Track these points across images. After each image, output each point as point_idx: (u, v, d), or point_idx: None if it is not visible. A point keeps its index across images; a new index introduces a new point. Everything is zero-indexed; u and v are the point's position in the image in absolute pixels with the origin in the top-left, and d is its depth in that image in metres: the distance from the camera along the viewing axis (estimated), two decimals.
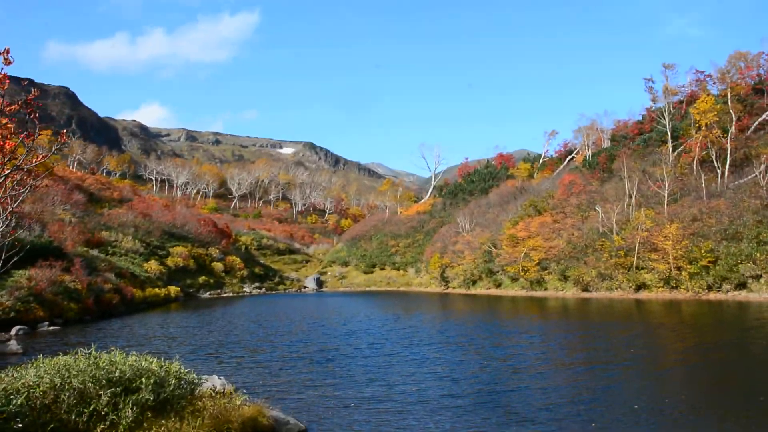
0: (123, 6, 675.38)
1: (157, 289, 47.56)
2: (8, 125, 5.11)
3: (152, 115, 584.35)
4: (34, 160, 5.35)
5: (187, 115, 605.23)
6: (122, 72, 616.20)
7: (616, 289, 43.35)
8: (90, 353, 9.19)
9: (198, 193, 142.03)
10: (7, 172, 5.10)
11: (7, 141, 5.01)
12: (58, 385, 7.94)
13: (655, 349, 18.12)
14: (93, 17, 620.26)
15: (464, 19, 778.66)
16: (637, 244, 42.80)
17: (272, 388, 13.06)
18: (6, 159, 5.05)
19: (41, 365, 8.63)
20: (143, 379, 8.46)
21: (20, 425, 6.90)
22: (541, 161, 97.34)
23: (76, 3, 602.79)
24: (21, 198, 5.50)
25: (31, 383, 7.92)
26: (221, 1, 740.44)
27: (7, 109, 4.96)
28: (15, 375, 8.27)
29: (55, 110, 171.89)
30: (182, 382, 9.21)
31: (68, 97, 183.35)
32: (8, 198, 5.32)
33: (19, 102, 5.21)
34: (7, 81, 4.94)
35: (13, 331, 24.55)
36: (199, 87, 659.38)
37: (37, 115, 5.34)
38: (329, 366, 15.82)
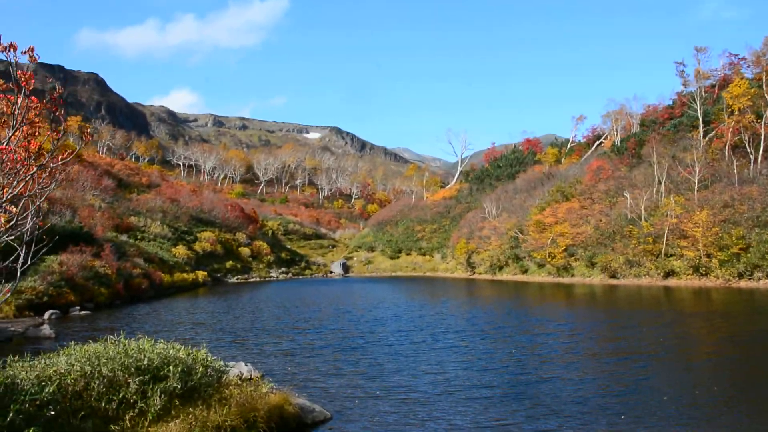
0: None
1: (185, 274, 48.14)
2: (35, 122, 5.15)
3: (181, 101, 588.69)
4: (60, 158, 5.39)
5: (216, 101, 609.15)
6: (152, 58, 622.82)
7: (645, 276, 42.87)
8: (119, 341, 9.30)
9: (225, 178, 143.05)
10: (33, 171, 5.14)
11: (33, 141, 5.04)
12: (89, 372, 8.04)
13: (687, 339, 17.76)
14: (125, 3, 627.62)
15: (493, 3, 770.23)
16: (666, 231, 42.22)
17: (298, 375, 13.10)
18: (32, 158, 5.08)
19: (72, 353, 8.76)
20: (171, 367, 8.54)
21: (53, 412, 7.01)
22: (568, 146, 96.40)
23: None
24: (47, 193, 5.54)
25: (62, 371, 8.04)
26: None
27: (33, 106, 4.99)
28: (47, 362, 8.40)
29: (84, 96, 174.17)
30: (209, 369, 9.28)
31: (97, 83, 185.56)
32: (36, 192, 5.36)
33: (44, 101, 5.24)
34: (33, 80, 4.97)
35: (46, 315, 25.04)
36: (229, 73, 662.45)
37: (62, 112, 5.37)
38: (355, 354, 15.77)
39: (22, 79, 4.83)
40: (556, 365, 13.91)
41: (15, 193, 5.12)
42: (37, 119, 5.02)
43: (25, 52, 5.04)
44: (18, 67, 5.09)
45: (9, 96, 5.01)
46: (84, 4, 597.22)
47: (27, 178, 5.15)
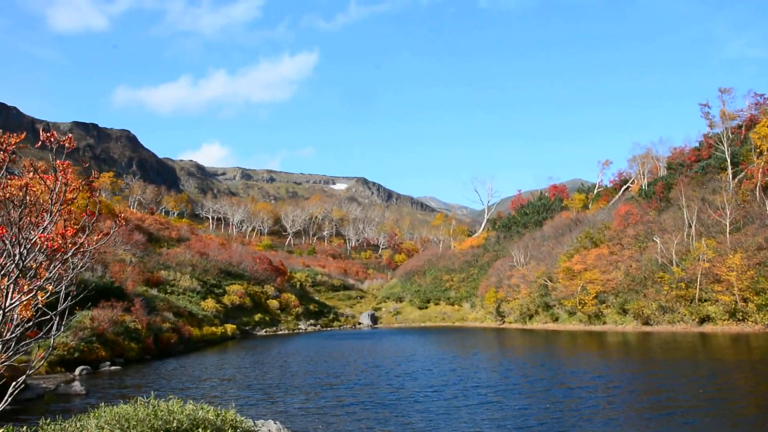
0: (188, 50, 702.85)
1: (213, 328, 48.28)
2: (71, 205, 5.35)
3: (212, 155, 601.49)
4: (95, 239, 5.56)
5: (246, 154, 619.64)
6: (185, 113, 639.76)
7: (679, 322, 41.99)
8: (148, 402, 9.35)
9: (253, 230, 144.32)
10: (69, 254, 5.31)
11: (69, 228, 5.22)
12: None
13: (732, 391, 16.99)
14: (159, 61, 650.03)
15: (507, 58, 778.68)
16: (699, 276, 41.47)
17: None
18: (69, 242, 5.26)
19: (102, 415, 8.82)
20: (200, 430, 8.55)
21: None
22: (595, 191, 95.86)
23: (144, 50, 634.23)
24: (82, 266, 5.70)
25: None
26: (282, 42, 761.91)
27: (71, 188, 5.19)
28: (78, 425, 8.46)
29: (116, 152, 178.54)
30: (238, 430, 9.28)
31: (129, 139, 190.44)
32: (70, 266, 5.54)
33: (82, 186, 5.45)
34: (70, 170, 5.18)
35: (77, 371, 25.25)
36: (259, 126, 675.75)
37: (97, 195, 5.56)
38: (385, 412, 15.47)
39: (60, 168, 5.03)
40: (596, 422, 13.33)
41: (51, 276, 5.30)
42: (71, 195, 5.20)
43: (64, 141, 5.25)
44: (55, 150, 5.30)
45: (47, 177, 5.21)
46: (120, 63, 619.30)
47: (64, 261, 5.33)
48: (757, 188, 49.70)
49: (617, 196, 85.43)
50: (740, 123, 70.57)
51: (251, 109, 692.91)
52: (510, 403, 16.24)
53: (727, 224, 44.42)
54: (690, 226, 48.57)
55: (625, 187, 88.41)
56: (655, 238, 50.13)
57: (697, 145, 78.07)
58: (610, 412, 14.42)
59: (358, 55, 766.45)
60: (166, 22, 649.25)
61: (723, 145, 57.63)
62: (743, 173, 54.81)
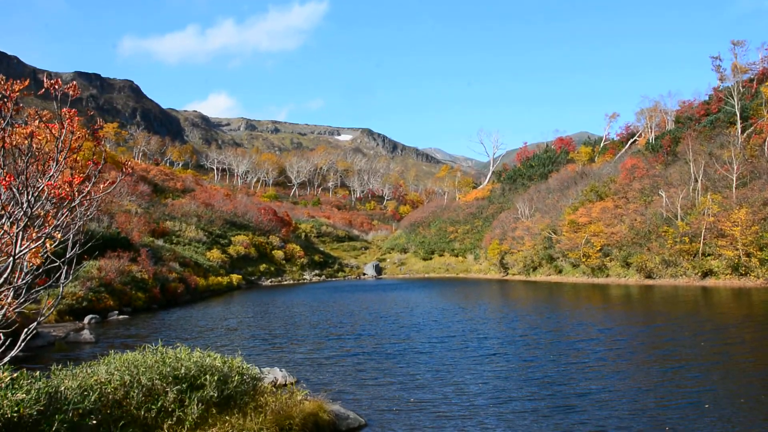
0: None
1: (219, 278, 48.76)
2: (75, 160, 5.35)
3: (219, 106, 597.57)
4: (101, 188, 5.57)
5: (253, 105, 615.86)
6: (192, 63, 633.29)
7: (681, 276, 42.16)
8: (157, 349, 9.49)
9: (258, 181, 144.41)
10: (76, 202, 5.32)
11: (76, 176, 5.23)
12: (128, 381, 8.21)
13: (739, 345, 16.77)
14: (166, 11, 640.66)
15: (523, 2, 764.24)
16: (704, 230, 41.46)
17: (332, 382, 13.12)
18: (75, 191, 5.27)
19: (112, 361, 8.95)
20: (207, 376, 8.68)
21: (95, 421, 7.19)
22: (602, 145, 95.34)
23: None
24: (88, 216, 5.73)
25: (103, 380, 8.22)
26: None
27: (76, 136, 5.18)
28: (88, 371, 8.59)
29: (120, 103, 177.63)
30: (245, 377, 9.42)
31: (132, 90, 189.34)
32: (78, 215, 5.57)
33: (87, 135, 5.44)
34: (76, 118, 5.16)
35: (86, 320, 25.61)
36: (267, 77, 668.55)
37: (104, 144, 5.56)
38: (391, 362, 15.59)
39: (66, 116, 5.01)
40: (605, 374, 13.19)
41: (59, 223, 5.35)
42: (76, 144, 5.20)
43: (68, 89, 5.22)
44: (60, 93, 5.27)
45: (52, 126, 5.20)
46: (126, 11, 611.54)
47: (71, 209, 5.36)
48: (766, 143, 49.26)
49: (624, 150, 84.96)
50: (752, 76, 69.70)
51: (259, 58, 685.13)
52: (514, 355, 16.28)
53: (734, 179, 44.21)
54: (696, 181, 48.35)
55: (632, 140, 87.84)
56: (660, 192, 49.96)
57: (707, 99, 77.28)
58: (618, 365, 14.28)
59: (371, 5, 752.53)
60: None
61: (733, 98, 56.90)
62: (752, 128, 54.28)
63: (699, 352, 15.50)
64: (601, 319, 24.17)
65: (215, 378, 8.68)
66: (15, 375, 6.39)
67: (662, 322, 22.52)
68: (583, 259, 52.17)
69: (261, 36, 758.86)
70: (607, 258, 50.51)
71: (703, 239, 41.49)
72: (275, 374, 12.75)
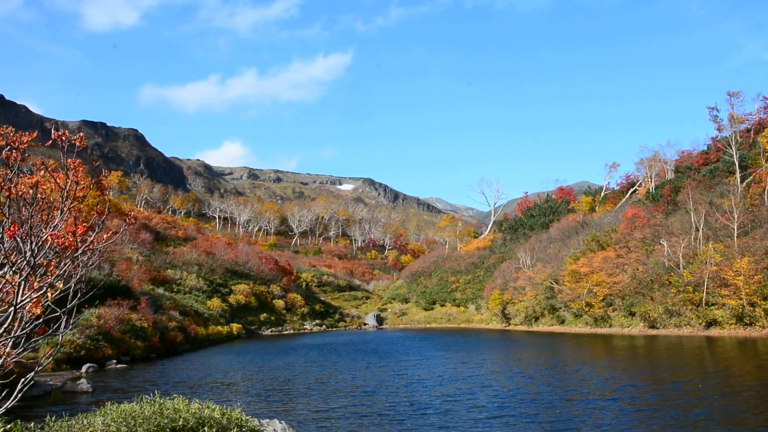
0: (218, 49, 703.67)
1: (219, 327, 48.43)
2: (79, 210, 5.40)
3: (233, 154, 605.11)
4: (105, 238, 5.60)
5: (266, 154, 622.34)
6: (208, 112, 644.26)
7: (685, 325, 41.83)
8: (154, 400, 9.39)
9: (259, 230, 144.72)
10: (79, 251, 5.35)
11: (80, 226, 5.27)
12: None
13: (748, 399, 16.48)
14: (188, 61, 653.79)
15: (525, 57, 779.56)
16: (706, 279, 41.28)
17: None
18: (79, 240, 5.30)
19: (108, 412, 8.86)
20: (206, 428, 8.58)
21: None
22: (602, 194, 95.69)
23: (174, 49, 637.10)
24: (91, 266, 5.74)
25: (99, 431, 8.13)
26: (316, 42, 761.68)
27: (81, 186, 5.24)
28: (85, 422, 8.50)
29: (124, 151, 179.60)
30: (243, 429, 9.31)
31: (137, 138, 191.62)
32: (80, 264, 5.59)
33: (92, 185, 5.51)
34: (81, 168, 5.22)
35: (84, 369, 25.38)
36: (283, 126, 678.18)
37: (106, 194, 5.60)
38: (393, 422, 15.05)
39: (72, 167, 5.07)
40: None
41: (61, 273, 5.36)
42: (81, 193, 5.25)
43: (75, 140, 5.31)
44: (65, 140, 5.34)
45: (57, 175, 5.26)
46: (148, 61, 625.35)
47: (74, 259, 5.39)
48: (766, 192, 49.50)
49: (624, 199, 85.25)
50: (749, 126, 70.39)
51: (278, 108, 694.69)
52: (520, 413, 15.86)
53: (735, 228, 44.22)
54: (697, 230, 48.35)
55: (632, 190, 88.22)
56: (662, 242, 49.91)
57: (705, 148, 77.90)
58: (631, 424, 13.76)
59: (392, 58, 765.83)
60: (199, 18, 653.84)
61: (731, 148, 57.37)
62: (751, 177, 54.59)
63: (708, 410, 15.14)
64: (609, 371, 23.77)
65: (213, 430, 8.58)
66: (8, 426, 6.30)
67: (669, 374, 22.14)
68: (586, 309, 51.84)
69: (282, 86, 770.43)
70: (610, 308, 50.19)
71: (706, 288, 41.27)
72: (275, 426, 12.55)
